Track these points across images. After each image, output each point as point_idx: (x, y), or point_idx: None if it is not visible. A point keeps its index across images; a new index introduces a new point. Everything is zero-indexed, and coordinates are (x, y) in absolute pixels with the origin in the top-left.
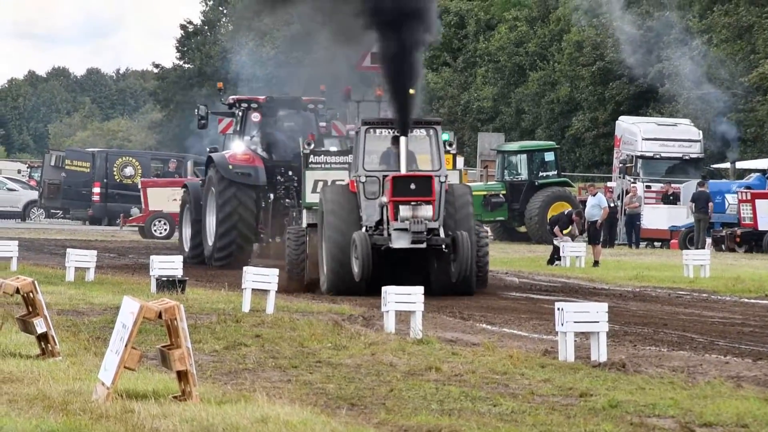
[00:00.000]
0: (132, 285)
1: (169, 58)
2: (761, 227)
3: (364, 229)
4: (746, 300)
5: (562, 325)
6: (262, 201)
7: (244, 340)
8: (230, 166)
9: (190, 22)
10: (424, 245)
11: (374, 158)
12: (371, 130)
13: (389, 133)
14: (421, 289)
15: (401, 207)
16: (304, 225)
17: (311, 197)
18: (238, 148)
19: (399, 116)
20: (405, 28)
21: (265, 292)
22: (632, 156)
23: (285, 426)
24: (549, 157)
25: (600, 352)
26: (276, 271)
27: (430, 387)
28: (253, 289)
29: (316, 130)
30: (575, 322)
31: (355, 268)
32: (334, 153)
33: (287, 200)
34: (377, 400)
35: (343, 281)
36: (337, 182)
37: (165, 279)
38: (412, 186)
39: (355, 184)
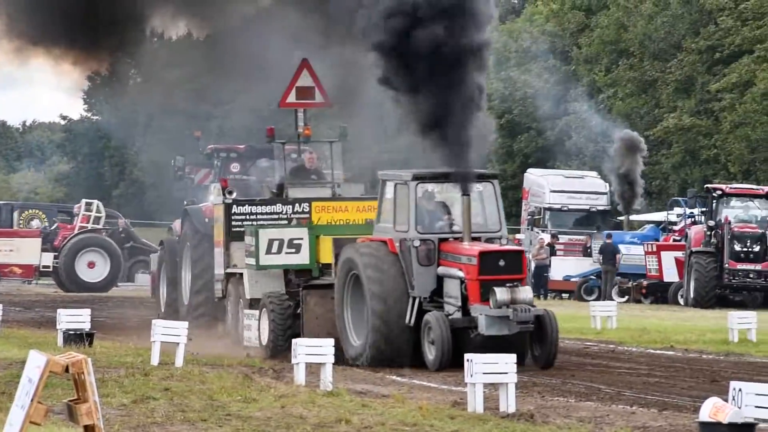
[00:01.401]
0: (38, 338)
1: (76, 110)
2: (666, 279)
3: (416, 300)
4: (652, 351)
5: (471, 376)
6: None
7: (153, 393)
8: (206, 219)
9: (98, 74)
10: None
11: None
12: (423, 185)
13: (442, 188)
14: (331, 341)
15: (497, 289)
16: (248, 292)
17: (266, 259)
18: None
19: (459, 169)
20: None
21: (175, 344)
22: (540, 208)
23: None
24: None
25: (509, 403)
26: (185, 324)
27: None
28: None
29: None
30: (484, 373)
31: (429, 355)
32: (259, 203)
33: None
34: None
35: (387, 355)
36: (365, 240)
37: (72, 332)
38: (501, 262)
39: (397, 246)
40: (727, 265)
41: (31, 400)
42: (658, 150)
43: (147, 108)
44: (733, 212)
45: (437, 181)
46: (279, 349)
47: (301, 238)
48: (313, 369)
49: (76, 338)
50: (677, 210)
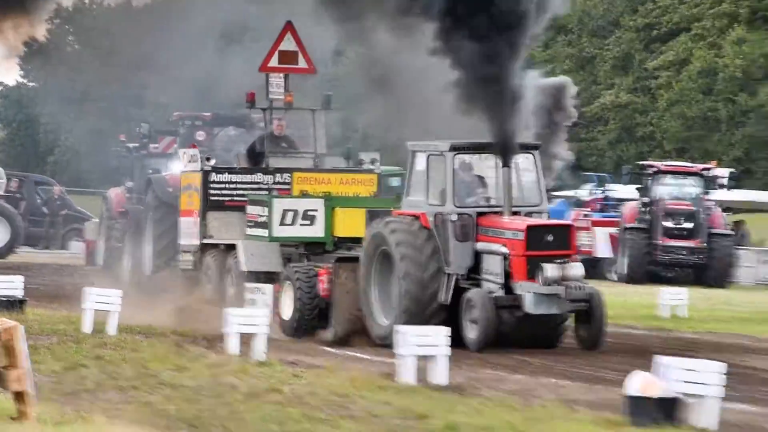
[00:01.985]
0: None
1: (12, 76)
2: (599, 254)
3: (452, 278)
4: None
5: (402, 348)
6: None
7: (85, 361)
8: (170, 189)
9: (35, 40)
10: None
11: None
12: (460, 156)
13: (475, 158)
14: (266, 311)
15: (547, 266)
16: (243, 265)
17: (279, 230)
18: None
19: (501, 140)
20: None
21: (107, 312)
22: None
23: None
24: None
25: (439, 375)
26: (119, 292)
27: (270, 409)
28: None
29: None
30: (416, 345)
31: (470, 334)
32: (239, 171)
33: None
34: (217, 421)
35: None
36: (396, 214)
37: (4, 299)
38: (550, 237)
39: (430, 221)
40: (659, 242)
41: None
42: (595, 127)
43: (84, 76)
44: (667, 189)
45: (476, 152)
46: (304, 326)
47: (316, 210)
48: (245, 339)
49: (8, 305)
50: (589, 185)
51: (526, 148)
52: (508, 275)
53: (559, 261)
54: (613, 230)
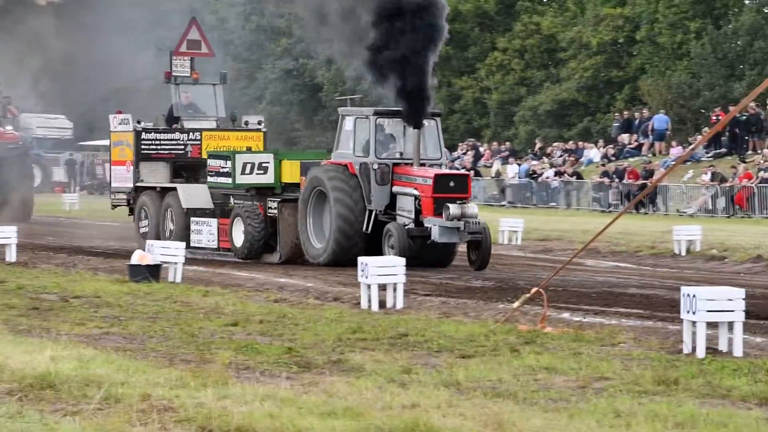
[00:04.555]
0: None
1: None
2: None
3: (373, 213)
4: None
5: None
6: None
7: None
8: None
9: None
10: (480, 240)
11: (380, 145)
12: (381, 119)
13: (393, 122)
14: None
15: (451, 205)
16: (184, 203)
17: (241, 178)
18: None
19: (415, 108)
20: (422, 23)
21: None
22: None
23: None
24: None
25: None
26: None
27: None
28: None
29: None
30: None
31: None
32: (162, 131)
33: None
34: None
35: (344, 256)
36: (328, 163)
37: None
38: (452, 183)
39: (356, 168)
40: None
41: None
42: None
43: None
44: None
45: (393, 116)
46: (254, 251)
47: (268, 162)
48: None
49: None
50: None
51: (433, 115)
52: (417, 212)
53: (459, 202)
54: None
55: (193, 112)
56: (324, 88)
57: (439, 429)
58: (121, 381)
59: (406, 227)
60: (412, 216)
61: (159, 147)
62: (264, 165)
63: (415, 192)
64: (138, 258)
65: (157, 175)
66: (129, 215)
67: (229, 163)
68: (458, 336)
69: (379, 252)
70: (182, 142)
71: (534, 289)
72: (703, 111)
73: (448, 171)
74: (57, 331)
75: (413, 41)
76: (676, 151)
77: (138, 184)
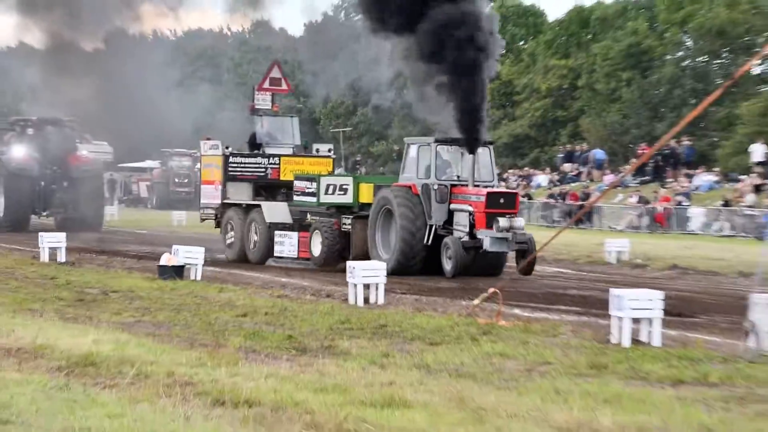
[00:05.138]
0: None
1: None
2: None
3: (433, 227)
4: None
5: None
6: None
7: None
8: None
9: None
10: (526, 249)
11: (440, 170)
12: (440, 146)
13: (451, 149)
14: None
15: (500, 219)
16: (267, 218)
17: (324, 198)
18: (18, 152)
19: (470, 135)
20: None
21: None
22: None
23: None
24: None
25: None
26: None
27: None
28: None
29: (73, 142)
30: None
31: (447, 266)
32: (246, 155)
33: (53, 185)
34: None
35: (405, 266)
36: (395, 186)
37: None
38: (502, 200)
39: (419, 189)
40: None
41: None
42: None
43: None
44: None
45: (451, 144)
46: (329, 260)
47: (348, 184)
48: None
49: None
50: None
51: (486, 143)
52: (472, 226)
53: (508, 216)
54: None
55: (272, 140)
56: (321, 121)
57: (412, 402)
58: (151, 361)
59: (461, 239)
60: (467, 230)
61: (244, 169)
62: (344, 187)
63: (470, 208)
64: (166, 260)
65: (240, 193)
66: (215, 228)
67: (314, 184)
68: (428, 327)
69: (438, 261)
70: (263, 166)
71: (491, 290)
72: (631, 145)
73: (498, 189)
74: (98, 319)
75: (467, 69)
76: (608, 177)
77: (225, 201)
